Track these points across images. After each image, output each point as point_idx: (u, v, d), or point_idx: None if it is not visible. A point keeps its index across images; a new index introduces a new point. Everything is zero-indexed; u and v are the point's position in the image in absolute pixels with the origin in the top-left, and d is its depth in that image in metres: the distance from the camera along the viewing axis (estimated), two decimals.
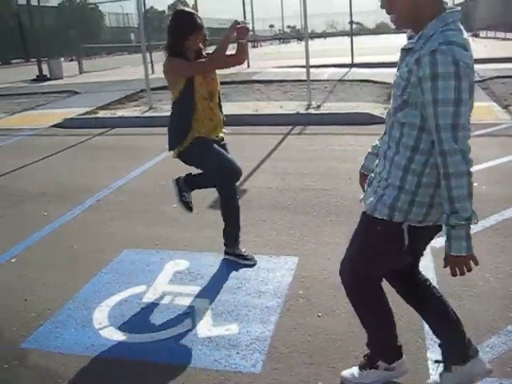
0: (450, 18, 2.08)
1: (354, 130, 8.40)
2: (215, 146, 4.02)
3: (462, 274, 2.18)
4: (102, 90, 15.33)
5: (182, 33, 3.84)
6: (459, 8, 2.15)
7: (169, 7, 66.31)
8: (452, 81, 1.98)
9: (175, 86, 3.95)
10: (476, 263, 2.17)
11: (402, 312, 3.39)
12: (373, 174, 2.44)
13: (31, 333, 3.40)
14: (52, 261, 4.43)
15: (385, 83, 12.58)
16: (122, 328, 3.40)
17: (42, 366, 3.09)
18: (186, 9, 4.16)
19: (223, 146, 4.13)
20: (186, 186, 4.23)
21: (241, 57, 4.07)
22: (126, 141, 8.95)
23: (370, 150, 2.69)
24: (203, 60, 3.96)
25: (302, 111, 9.70)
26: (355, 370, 2.75)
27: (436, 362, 2.73)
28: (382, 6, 2.19)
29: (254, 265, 4.10)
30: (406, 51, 2.19)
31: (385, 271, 2.57)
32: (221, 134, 4.15)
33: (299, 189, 5.81)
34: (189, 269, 4.13)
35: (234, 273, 4.02)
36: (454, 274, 2.20)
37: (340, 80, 13.69)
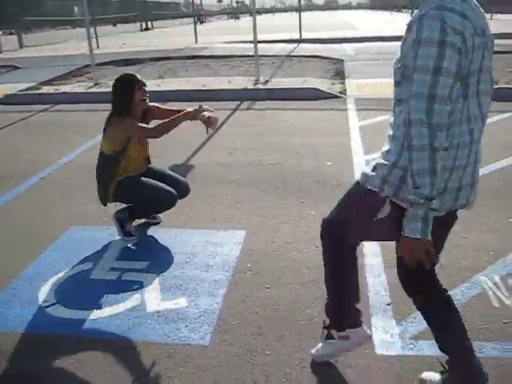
0: None
1: (301, 105, 8.46)
2: (143, 178, 4.14)
3: (417, 262, 2.05)
4: (44, 65, 14.86)
5: (127, 91, 3.98)
6: None
7: None
8: (434, 47, 1.87)
9: (116, 143, 4.01)
10: (430, 254, 2.03)
11: None
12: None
13: None
14: None
15: (332, 59, 12.70)
16: (69, 305, 3.37)
17: None
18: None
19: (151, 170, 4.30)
20: (125, 220, 4.21)
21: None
22: (70, 117, 8.73)
23: None
24: (151, 127, 4.12)
25: (250, 86, 9.69)
26: (319, 345, 2.75)
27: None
28: None
29: (132, 242, 4.18)
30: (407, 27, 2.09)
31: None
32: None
33: (247, 163, 5.84)
34: (137, 244, 4.11)
35: (182, 248, 4.03)
36: (408, 262, 2.08)
37: (288, 55, 13.70)
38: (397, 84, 2.13)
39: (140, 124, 4.02)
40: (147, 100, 4.11)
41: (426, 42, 1.88)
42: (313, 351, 2.78)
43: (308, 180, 5.25)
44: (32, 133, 7.82)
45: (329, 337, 2.68)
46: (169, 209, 4.17)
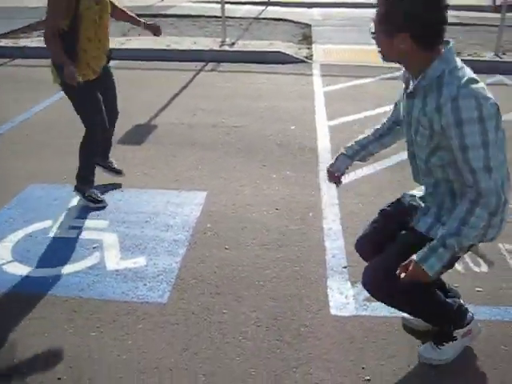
0: (450, 56, 2.07)
1: (267, 69, 8.40)
2: (95, 92, 3.89)
3: (407, 279, 2.15)
4: (1, 16, 14.30)
5: None
6: (452, 41, 2.10)
7: None
8: (476, 125, 1.96)
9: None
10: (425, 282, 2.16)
11: (304, 244, 3.56)
12: (422, 204, 2.41)
13: None
14: None
15: (300, 23, 12.58)
16: (27, 263, 3.35)
17: None
18: None
19: (106, 77, 4.03)
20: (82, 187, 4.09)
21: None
22: (29, 72, 8.46)
23: (343, 150, 2.64)
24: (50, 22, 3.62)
25: (216, 48, 9.55)
26: (429, 347, 2.61)
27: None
28: (372, 34, 2.12)
29: (103, 207, 4.02)
30: (410, 94, 2.18)
31: None
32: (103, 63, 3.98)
33: (210, 125, 5.80)
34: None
35: (142, 207, 4.02)
36: (403, 278, 2.16)
37: (256, 18, 13.51)
38: (431, 154, 2.19)
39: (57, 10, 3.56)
40: None
41: (468, 121, 1.97)
42: (424, 354, 2.61)
43: (271, 143, 5.27)
44: None
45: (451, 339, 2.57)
46: (96, 138, 3.99)
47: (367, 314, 2.89)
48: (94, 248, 3.51)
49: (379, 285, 2.35)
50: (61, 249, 3.51)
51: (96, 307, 2.95)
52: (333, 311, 2.93)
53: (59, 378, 2.48)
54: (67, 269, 3.29)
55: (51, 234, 3.67)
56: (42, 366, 2.56)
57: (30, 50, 9.72)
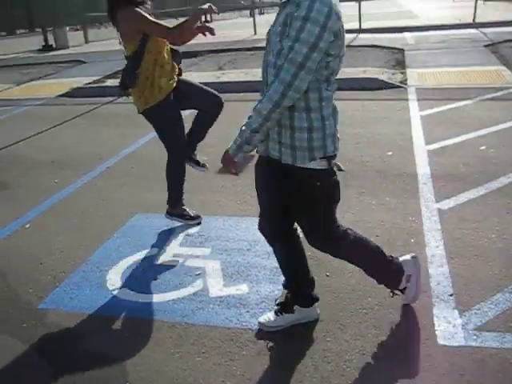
0: None
1: (361, 96, 8.37)
2: (179, 116, 4.10)
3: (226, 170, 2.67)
4: (108, 58, 15.25)
5: None
6: None
7: None
8: (318, 28, 2.25)
9: (132, 39, 3.81)
10: (235, 172, 2.64)
11: None
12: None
13: (47, 294, 3.51)
14: (65, 226, 4.53)
15: (393, 48, 12.47)
16: (135, 289, 3.50)
17: (59, 325, 3.20)
18: None
19: (184, 86, 4.11)
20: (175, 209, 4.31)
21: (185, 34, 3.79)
22: (134, 109, 8.93)
23: None
24: (166, 25, 3.75)
25: None
26: (271, 315, 3.03)
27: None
28: None
29: (199, 223, 4.31)
30: (283, 4, 2.43)
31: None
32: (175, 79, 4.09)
33: None
34: (199, 232, 4.21)
35: (243, 235, 4.10)
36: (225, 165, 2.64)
37: (348, 45, 13.47)
38: (279, 54, 2.39)
39: (151, 18, 3.70)
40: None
41: (313, 21, 2.25)
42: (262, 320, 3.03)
43: (369, 170, 5.22)
44: (98, 124, 8.08)
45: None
46: (182, 158, 4.21)
47: (477, 345, 2.76)
48: (197, 275, 3.61)
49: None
50: (166, 276, 3.64)
51: (201, 333, 3.02)
52: (440, 341, 2.82)
53: None
54: (172, 295, 3.41)
55: (157, 262, 3.83)
56: None
57: None
